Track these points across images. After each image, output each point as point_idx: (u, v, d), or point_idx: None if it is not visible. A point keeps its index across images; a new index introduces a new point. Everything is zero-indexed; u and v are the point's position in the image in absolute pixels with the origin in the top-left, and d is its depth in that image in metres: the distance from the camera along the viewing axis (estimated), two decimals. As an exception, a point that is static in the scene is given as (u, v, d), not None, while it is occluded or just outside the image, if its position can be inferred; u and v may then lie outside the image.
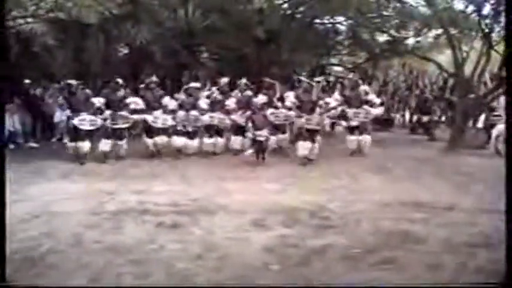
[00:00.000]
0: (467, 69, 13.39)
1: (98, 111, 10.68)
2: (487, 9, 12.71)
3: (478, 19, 12.75)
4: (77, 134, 10.38)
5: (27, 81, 13.63)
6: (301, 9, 17.50)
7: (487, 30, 12.56)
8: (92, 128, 10.48)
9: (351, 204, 6.83)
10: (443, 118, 18.15)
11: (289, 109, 11.17)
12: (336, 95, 12.74)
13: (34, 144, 12.68)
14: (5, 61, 13.32)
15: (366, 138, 11.73)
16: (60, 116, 13.49)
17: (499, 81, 13.02)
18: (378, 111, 12.36)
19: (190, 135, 11.31)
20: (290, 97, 11.35)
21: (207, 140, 11.57)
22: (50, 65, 15.14)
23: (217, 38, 17.04)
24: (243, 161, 10.48)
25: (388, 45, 18.84)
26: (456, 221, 6.06)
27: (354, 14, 16.28)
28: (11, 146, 12.02)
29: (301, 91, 11.24)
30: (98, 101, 10.80)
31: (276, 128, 11.38)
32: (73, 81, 10.99)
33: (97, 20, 13.86)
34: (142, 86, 12.22)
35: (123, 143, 10.95)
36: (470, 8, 13.43)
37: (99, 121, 10.58)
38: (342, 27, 19.88)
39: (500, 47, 13.11)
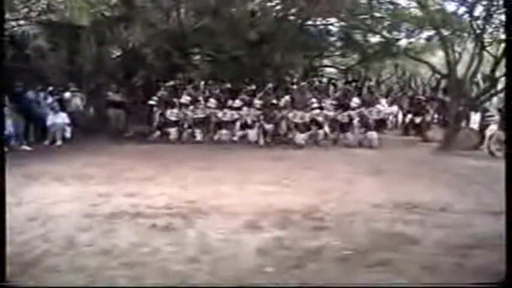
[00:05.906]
0: (460, 70, 13.44)
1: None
2: (478, 11, 12.80)
3: (470, 20, 12.81)
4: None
5: (19, 84, 13.55)
6: (293, 11, 17.53)
7: (478, 31, 12.62)
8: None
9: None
10: (435, 119, 18.21)
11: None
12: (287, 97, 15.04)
13: (27, 147, 12.60)
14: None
15: None
16: (52, 119, 13.46)
17: (491, 82, 13.09)
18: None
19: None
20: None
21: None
22: (43, 68, 15.06)
23: (210, 40, 17.04)
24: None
25: (380, 46, 18.95)
26: (450, 222, 6.07)
27: (346, 15, 16.36)
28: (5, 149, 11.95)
29: None
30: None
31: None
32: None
33: (89, 22, 13.86)
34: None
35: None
36: (462, 9, 13.53)
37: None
38: (334, 29, 19.99)
39: (493, 48, 13.19)
